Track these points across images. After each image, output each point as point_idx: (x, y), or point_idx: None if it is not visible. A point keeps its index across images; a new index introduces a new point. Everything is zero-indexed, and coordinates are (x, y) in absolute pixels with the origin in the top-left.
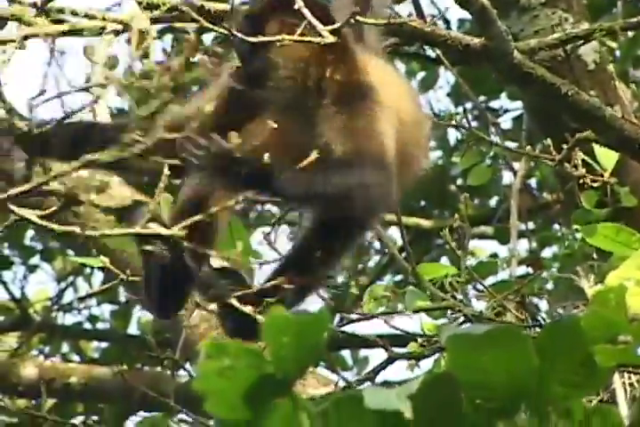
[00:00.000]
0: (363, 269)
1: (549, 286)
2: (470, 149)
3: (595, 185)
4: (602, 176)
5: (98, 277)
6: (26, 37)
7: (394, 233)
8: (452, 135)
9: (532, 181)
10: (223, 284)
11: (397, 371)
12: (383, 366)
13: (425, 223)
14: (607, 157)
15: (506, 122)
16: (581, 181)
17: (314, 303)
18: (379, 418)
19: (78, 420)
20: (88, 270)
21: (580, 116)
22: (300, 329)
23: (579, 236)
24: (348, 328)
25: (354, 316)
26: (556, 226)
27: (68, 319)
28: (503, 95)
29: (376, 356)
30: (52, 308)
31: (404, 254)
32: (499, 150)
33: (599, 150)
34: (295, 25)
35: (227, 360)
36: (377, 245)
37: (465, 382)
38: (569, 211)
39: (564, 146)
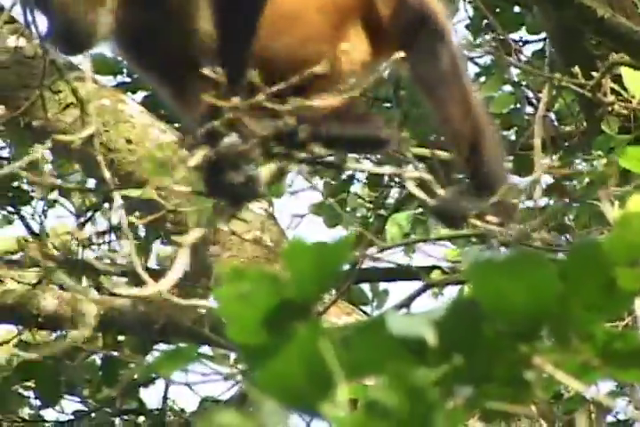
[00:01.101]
0: (382, 203)
1: (572, 216)
2: (492, 78)
3: (624, 112)
4: (630, 102)
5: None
6: None
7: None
8: (472, 68)
9: (551, 114)
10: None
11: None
12: (418, 293)
13: (443, 154)
14: (636, 84)
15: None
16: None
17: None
18: (402, 344)
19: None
20: (107, 205)
21: (616, 39)
22: (321, 255)
23: (600, 163)
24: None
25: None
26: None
27: (87, 254)
28: (523, 29)
29: (394, 288)
30: (71, 243)
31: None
32: (522, 77)
33: (629, 76)
34: None
35: (245, 285)
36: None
37: (487, 307)
38: (591, 140)
39: (594, 73)
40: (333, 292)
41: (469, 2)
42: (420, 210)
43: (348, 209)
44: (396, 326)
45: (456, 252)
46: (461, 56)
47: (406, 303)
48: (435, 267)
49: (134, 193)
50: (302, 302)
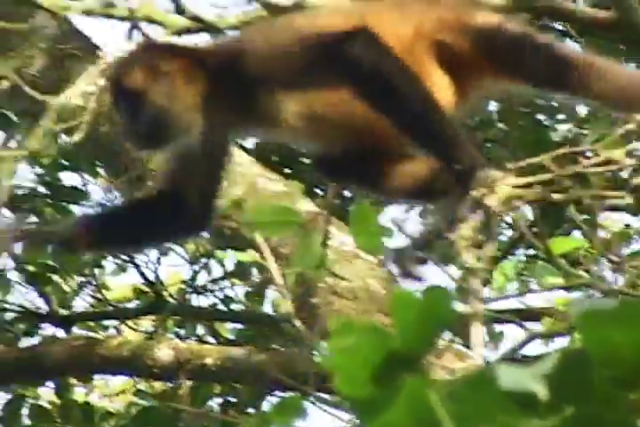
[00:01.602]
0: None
1: None
2: (600, 120)
3: None
4: None
5: (230, 259)
6: None
7: (524, 208)
8: (583, 107)
9: None
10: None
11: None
12: (523, 344)
13: (555, 196)
14: None
15: None
16: None
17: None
18: (512, 398)
19: (215, 402)
20: (220, 253)
21: None
22: (426, 305)
23: None
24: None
25: (487, 294)
26: None
27: (202, 301)
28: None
29: (509, 330)
30: (185, 290)
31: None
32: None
33: None
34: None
35: (353, 338)
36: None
37: (597, 357)
38: None
39: None
40: (448, 336)
41: (578, 42)
42: (532, 251)
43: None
44: (505, 380)
45: (565, 300)
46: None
47: (514, 353)
48: (543, 313)
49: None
50: (410, 355)
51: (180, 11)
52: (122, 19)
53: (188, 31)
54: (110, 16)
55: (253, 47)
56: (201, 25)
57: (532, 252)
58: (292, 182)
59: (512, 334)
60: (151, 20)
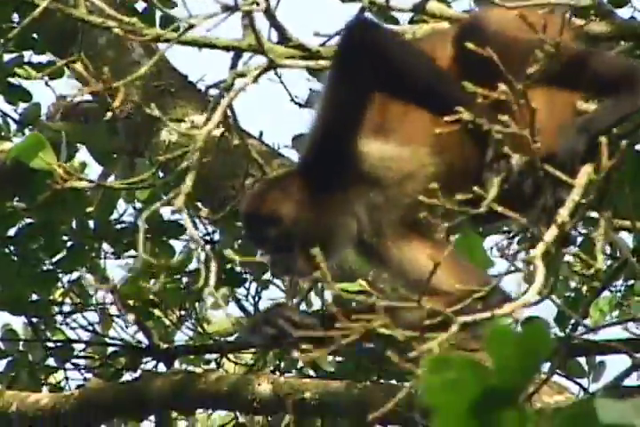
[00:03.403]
0: (594, 275)
1: None
2: None
3: None
4: None
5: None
6: None
7: (625, 236)
8: None
9: None
10: None
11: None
12: (627, 373)
13: None
14: None
15: None
16: None
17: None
18: None
19: None
20: (320, 285)
21: None
22: (523, 340)
23: None
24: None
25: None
26: None
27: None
28: None
29: (611, 361)
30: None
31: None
32: None
33: None
34: None
35: (451, 373)
36: (607, 248)
37: None
38: None
39: None
40: (546, 369)
41: None
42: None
43: (560, 277)
44: (604, 414)
45: None
46: None
47: (616, 384)
48: None
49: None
50: (509, 390)
51: (284, 39)
52: (226, 49)
53: (292, 58)
54: (213, 46)
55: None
56: (305, 53)
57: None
58: None
59: (615, 365)
60: (255, 50)
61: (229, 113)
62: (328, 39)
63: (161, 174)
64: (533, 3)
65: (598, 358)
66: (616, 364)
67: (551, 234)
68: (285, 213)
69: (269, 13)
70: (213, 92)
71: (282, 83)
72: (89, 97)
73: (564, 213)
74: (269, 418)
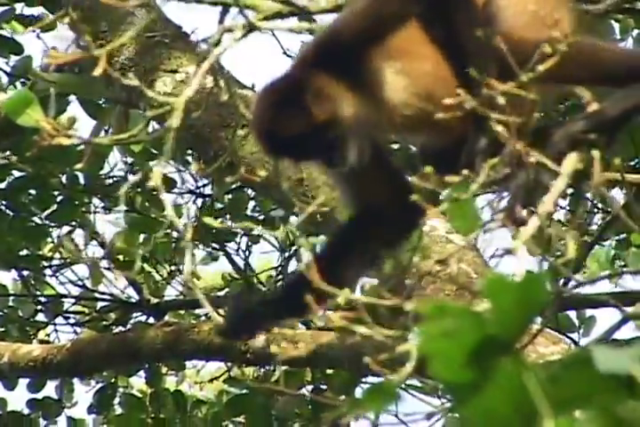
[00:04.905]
0: (586, 231)
1: None
2: None
3: None
4: None
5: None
6: None
7: (617, 192)
8: None
9: None
10: None
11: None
12: (617, 326)
13: None
14: None
15: None
16: None
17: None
18: (609, 379)
19: (307, 388)
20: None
21: None
22: (521, 290)
23: None
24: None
25: (580, 278)
26: None
27: None
28: None
29: (601, 315)
30: (276, 277)
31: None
32: None
33: None
34: None
35: (448, 322)
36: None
37: None
38: None
39: None
40: (539, 320)
41: None
42: (624, 235)
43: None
44: (602, 362)
45: None
46: None
47: (607, 337)
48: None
49: None
50: (505, 338)
51: None
52: (213, 3)
53: (280, 16)
54: (200, 1)
55: (339, 21)
56: (293, 9)
57: (623, 236)
58: None
59: (605, 319)
60: (242, 5)
61: (217, 67)
62: None
63: (157, 126)
64: None
65: (589, 313)
66: (609, 319)
67: (534, 222)
68: (334, 112)
69: None
70: (204, 46)
71: (274, 35)
72: (83, 46)
73: (548, 202)
74: (261, 370)
